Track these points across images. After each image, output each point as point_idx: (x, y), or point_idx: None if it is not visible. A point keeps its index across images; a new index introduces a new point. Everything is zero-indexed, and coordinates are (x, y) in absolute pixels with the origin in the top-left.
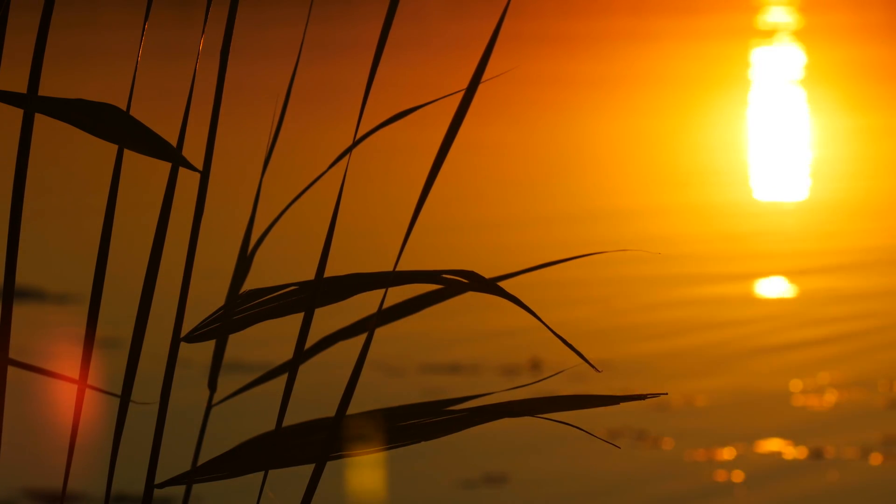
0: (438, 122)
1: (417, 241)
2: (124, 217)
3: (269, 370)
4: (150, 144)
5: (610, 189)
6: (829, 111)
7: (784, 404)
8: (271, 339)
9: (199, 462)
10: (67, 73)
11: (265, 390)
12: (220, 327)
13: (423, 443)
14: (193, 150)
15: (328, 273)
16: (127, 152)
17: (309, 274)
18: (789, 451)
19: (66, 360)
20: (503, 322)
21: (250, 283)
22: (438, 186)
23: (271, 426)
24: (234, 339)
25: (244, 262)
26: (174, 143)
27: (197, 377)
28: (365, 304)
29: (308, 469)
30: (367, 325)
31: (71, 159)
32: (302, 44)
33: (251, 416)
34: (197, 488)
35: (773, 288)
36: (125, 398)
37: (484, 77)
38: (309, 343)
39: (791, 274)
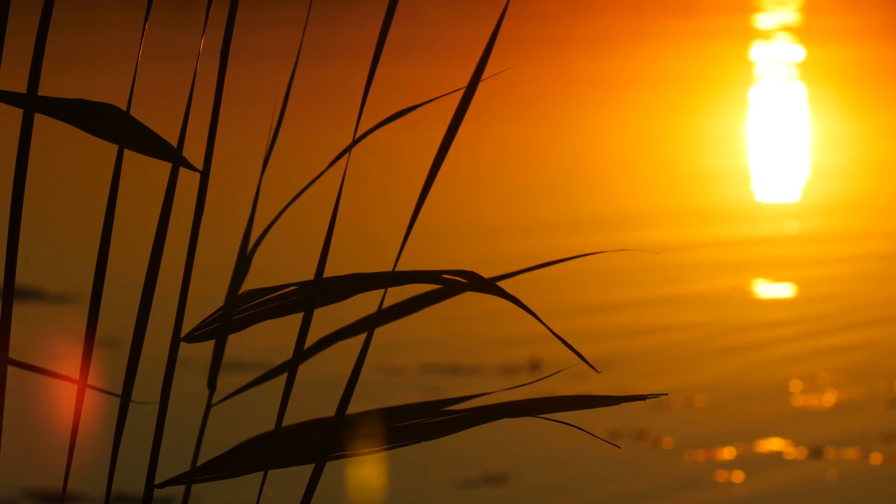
0: (438, 124)
1: (417, 241)
2: (124, 217)
3: (268, 370)
4: (151, 144)
5: (610, 190)
6: (829, 112)
7: (784, 404)
8: (271, 339)
9: (199, 462)
10: (67, 75)
11: (265, 390)
12: (220, 327)
13: (423, 443)
14: (193, 151)
15: (328, 273)
16: (127, 152)
17: (309, 274)
18: (789, 451)
19: (66, 360)
20: (503, 322)
21: (250, 283)
22: (439, 188)
23: (271, 426)
24: (234, 339)
25: (244, 261)
26: (174, 143)
27: (197, 377)
28: (365, 304)
29: (308, 469)
30: (367, 325)
31: (71, 160)
32: (301, 45)
33: (251, 416)
34: (197, 488)
35: (774, 288)
36: (125, 398)
37: (484, 75)
38: (309, 343)
39: (791, 274)
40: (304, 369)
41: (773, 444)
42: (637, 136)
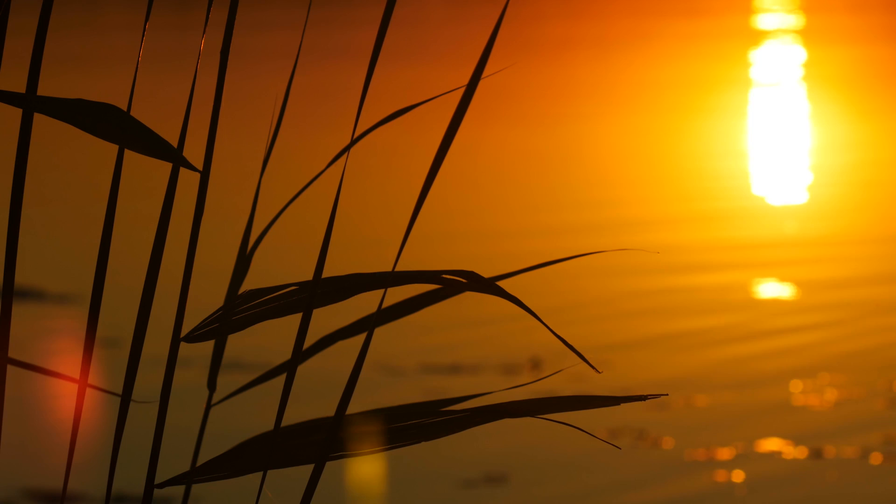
0: (438, 126)
1: (417, 241)
2: (125, 217)
3: (268, 370)
4: (151, 144)
5: (609, 190)
6: (830, 113)
7: (784, 404)
8: (271, 339)
9: (199, 462)
10: (67, 76)
11: (265, 390)
12: (219, 327)
13: (423, 443)
14: (194, 151)
15: (328, 273)
16: (128, 153)
17: (309, 274)
18: (789, 451)
19: (67, 359)
20: (503, 322)
21: (250, 283)
22: (439, 189)
23: (271, 426)
24: (233, 339)
25: (243, 261)
26: (174, 144)
27: (197, 377)
28: (365, 304)
29: (308, 469)
30: (366, 325)
31: (71, 160)
32: (300, 46)
33: (251, 416)
34: (197, 488)
35: (774, 288)
36: (125, 398)
37: (484, 74)
38: (308, 343)
39: (791, 274)
40: (304, 369)
41: (773, 444)
42: (637, 136)
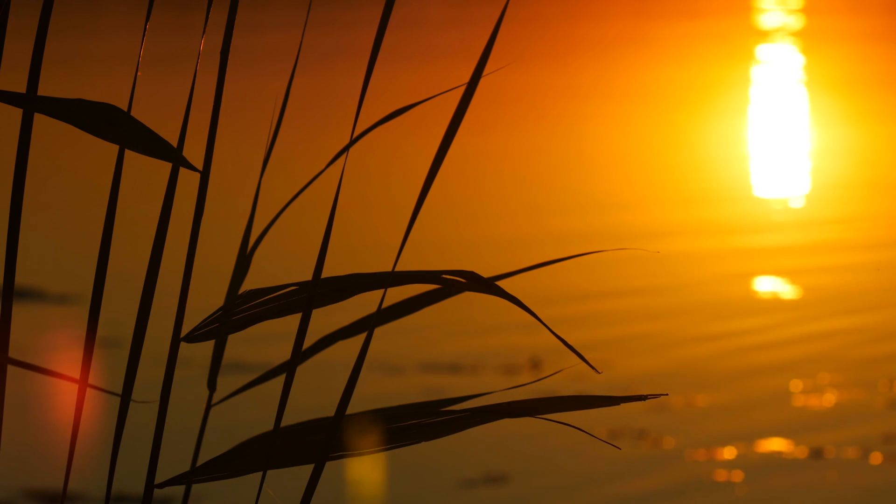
0: (439, 127)
1: (417, 242)
2: (125, 217)
3: (268, 370)
4: (151, 144)
5: (609, 193)
6: (830, 113)
7: (784, 404)
8: (271, 339)
9: (199, 462)
10: (68, 77)
11: (265, 390)
12: (219, 327)
13: (423, 443)
14: (193, 151)
15: (328, 273)
16: (128, 153)
17: (309, 274)
18: (789, 450)
19: (67, 359)
20: (503, 322)
21: (250, 283)
22: (440, 192)
23: (271, 426)
24: (234, 339)
25: (244, 261)
26: (174, 144)
27: (197, 377)
28: (364, 304)
29: (308, 469)
30: (366, 325)
31: (72, 160)
32: (300, 47)
33: (251, 416)
34: (197, 488)
35: (774, 288)
36: (125, 398)
37: (484, 73)
38: (308, 343)
39: (791, 274)
40: (304, 369)
41: (773, 444)
42: (636, 138)
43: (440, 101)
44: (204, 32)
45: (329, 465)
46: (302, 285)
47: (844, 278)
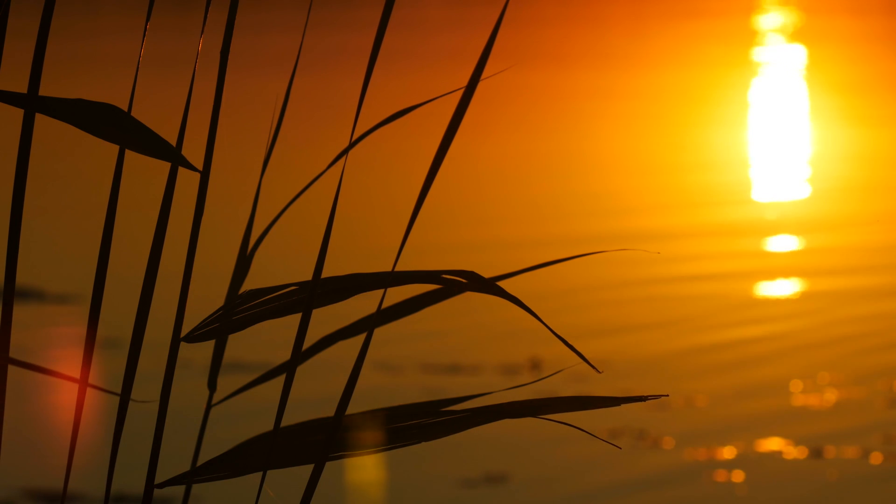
0: (439, 129)
1: (417, 242)
2: (125, 217)
3: (268, 370)
4: (151, 144)
5: (610, 194)
6: (830, 114)
7: (784, 404)
8: (271, 339)
9: (199, 462)
10: (68, 79)
11: (265, 390)
12: (220, 327)
13: (423, 443)
14: (193, 151)
15: (328, 273)
16: (128, 153)
17: (309, 274)
18: (789, 450)
19: (67, 359)
20: (503, 322)
21: (250, 283)
22: (440, 193)
23: (271, 426)
24: (234, 339)
25: (244, 262)
26: (174, 144)
27: (197, 377)
28: (365, 304)
29: (308, 469)
30: (366, 325)
31: (72, 160)
32: (300, 48)
33: (251, 416)
34: (197, 488)
35: (774, 288)
36: (125, 397)
37: (484, 75)
38: (308, 343)
39: (791, 274)
40: (304, 369)
41: (773, 444)
42: (636, 139)
43: (441, 102)
44: (202, 32)
45: (329, 465)
46: (302, 285)
47: (844, 279)
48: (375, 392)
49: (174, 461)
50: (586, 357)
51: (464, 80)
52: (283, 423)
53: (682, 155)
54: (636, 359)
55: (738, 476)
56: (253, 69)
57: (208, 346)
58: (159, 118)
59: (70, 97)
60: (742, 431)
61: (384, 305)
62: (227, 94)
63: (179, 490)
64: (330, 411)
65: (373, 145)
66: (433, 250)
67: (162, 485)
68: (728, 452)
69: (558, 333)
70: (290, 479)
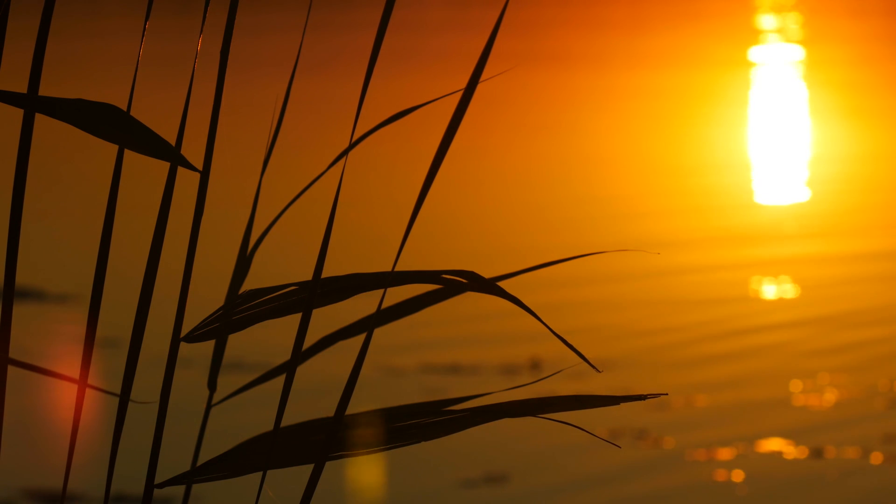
0: (438, 131)
1: (418, 243)
2: (125, 217)
3: (268, 370)
4: (150, 144)
5: (610, 194)
6: (830, 114)
7: (784, 404)
8: (271, 339)
9: (199, 462)
10: (68, 80)
11: (265, 390)
12: (220, 327)
13: (423, 443)
14: (193, 151)
15: (328, 273)
16: (128, 153)
17: (309, 274)
18: (789, 451)
19: (66, 359)
20: (503, 322)
21: (250, 283)
22: (440, 194)
23: (271, 426)
24: (234, 339)
25: (244, 262)
26: (174, 144)
27: (197, 377)
28: (365, 304)
29: (308, 469)
30: (366, 325)
31: (71, 160)
32: (300, 49)
33: (251, 416)
34: (197, 488)
35: (774, 289)
36: (125, 397)
37: (483, 78)
38: (308, 343)
39: (791, 274)
40: (304, 369)
41: (773, 444)
42: (636, 140)
43: (441, 103)
44: (201, 32)
45: (329, 465)
46: (302, 285)
47: (844, 279)
48: (375, 392)
49: (174, 461)
50: (586, 357)
51: (464, 82)
52: (283, 423)
53: (682, 155)
54: (636, 358)
55: (738, 476)
56: (253, 70)
57: (208, 346)
58: (159, 118)
59: (70, 97)
60: (742, 431)
61: (384, 305)
62: (227, 95)
63: (179, 490)
64: (330, 411)
65: (373, 146)
66: (433, 250)
67: (162, 485)
68: (728, 452)
69: (558, 333)
70: (290, 479)
